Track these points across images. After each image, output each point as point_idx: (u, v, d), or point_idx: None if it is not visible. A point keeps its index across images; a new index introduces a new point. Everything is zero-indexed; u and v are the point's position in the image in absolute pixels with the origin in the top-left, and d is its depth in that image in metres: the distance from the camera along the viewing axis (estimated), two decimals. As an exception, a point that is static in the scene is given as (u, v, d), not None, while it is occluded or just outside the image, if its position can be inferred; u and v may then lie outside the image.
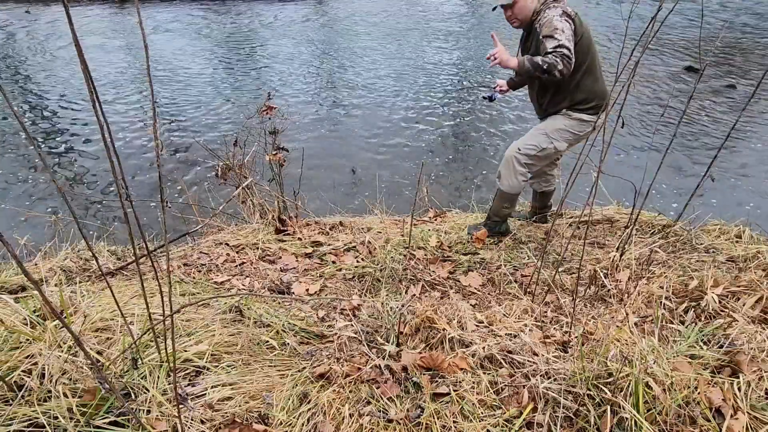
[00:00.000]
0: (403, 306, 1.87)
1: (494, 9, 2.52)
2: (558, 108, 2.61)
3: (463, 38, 9.72)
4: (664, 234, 2.74)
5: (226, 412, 1.40)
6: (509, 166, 2.70)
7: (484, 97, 3.13)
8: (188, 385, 1.50)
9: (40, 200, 4.68)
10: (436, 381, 1.55)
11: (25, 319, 1.64)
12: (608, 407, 1.38)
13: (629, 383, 1.40)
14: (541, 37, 2.37)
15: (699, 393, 1.42)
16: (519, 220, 3.25)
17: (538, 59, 2.33)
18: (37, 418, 1.30)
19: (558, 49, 2.29)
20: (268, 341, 1.77)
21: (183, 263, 2.49)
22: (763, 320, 1.84)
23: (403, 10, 11.68)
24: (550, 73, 2.32)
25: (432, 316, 1.77)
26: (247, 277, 2.36)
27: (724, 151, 3.76)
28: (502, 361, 1.62)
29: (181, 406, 1.36)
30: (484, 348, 1.66)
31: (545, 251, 2.26)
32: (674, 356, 1.56)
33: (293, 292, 2.22)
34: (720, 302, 1.91)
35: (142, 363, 1.49)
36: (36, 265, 2.37)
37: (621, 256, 2.28)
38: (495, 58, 2.41)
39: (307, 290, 2.24)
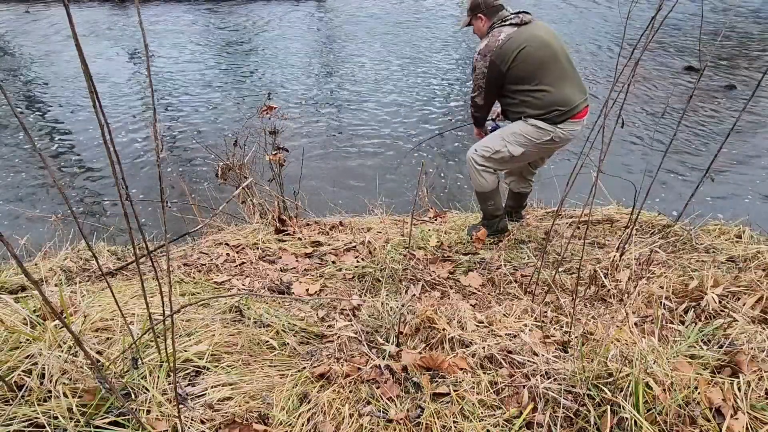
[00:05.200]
0: (403, 306, 1.87)
1: (461, 28, 2.88)
2: (518, 117, 2.69)
3: (462, 39, 9.72)
4: (664, 234, 2.74)
5: (226, 412, 1.40)
6: (470, 167, 2.83)
7: (491, 128, 3.14)
8: (188, 385, 1.50)
9: (39, 200, 4.68)
10: (436, 381, 1.55)
11: (25, 319, 1.64)
12: (608, 407, 1.38)
13: (629, 383, 1.40)
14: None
15: (699, 393, 1.42)
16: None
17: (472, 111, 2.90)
18: (37, 418, 1.30)
19: (471, 103, 2.82)
20: (268, 341, 1.77)
21: (183, 263, 2.49)
22: (763, 320, 1.84)
23: (404, 11, 11.68)
24: (474, 115, 2.88)
25: (432, 316, 1.77)
26: (247, 277, 2.36)
27: (724, 151, 3.76)
28: (502, 361, 1.62)
29: (181, 406, 1.36)
30: (484, 348, 1.66)
31: (545, 251, 2.26)
32: (674, 356, 1.56)
33: (293, 292, 2.22)
34: (720, 302, 1.91)
35: (142, 363, 1.49)
36: (36, 265, 2.37)
37: (621, 256, 2.28)
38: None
39: (307, 290, 2.24)
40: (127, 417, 1.32)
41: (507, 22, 2.58)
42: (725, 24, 9.71)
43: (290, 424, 1.40)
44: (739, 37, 9.14)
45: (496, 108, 3.16)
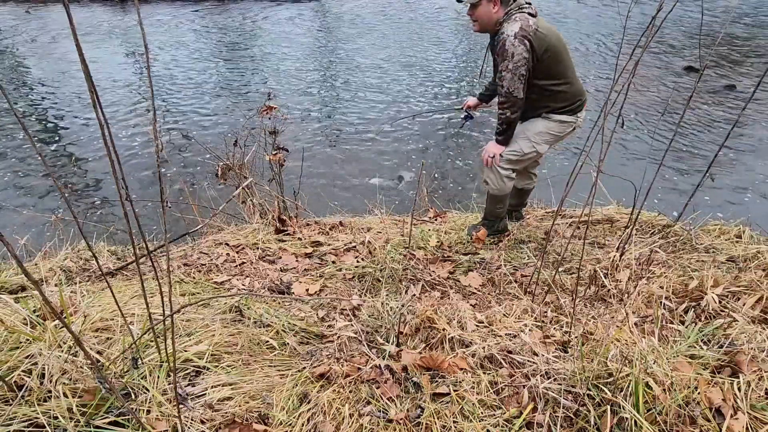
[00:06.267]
0: (403, 306, 1.87)
1: (460, 1, 2.53)
2: (537, 113, 2.63)
3: (460, 39, 9.72)
4: (664, 234, 2.74)
5: (226, 412, 1.40)
6: (495, 171, 2.73)
7: (462, 119, 3.15)
8: (188, 385, 1.50)
9: (40, 200, 4.68)
10: (436, 381, 1.55)
11: (25, 319, 1.64)
12: (608, 407, 1.38)
13: (629, 383, 1.40)
14: (499, 65, 2.45)
15: (699, 393, 1.42)
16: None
17: (499, 126, 2.58)
18: (37, 418, 1.30)
19: (504, 102, 2.48)
20: (268, 341, 1.77)
21: (183, 263, 2.49)
22: (763, 320, 1.84)
23: (401, 11, 11.68)
24: (511, 122, 2.54)
25: (432, 316, 1.77)
26: (247, 277, 2.36)
27: (724, 151, 3.76)
28: (502, 361, 1.62)
29: (181, 406, 1.36)
30: (484, 348, 1.66)
31: (545, 251, 2.26)
32: (674, 356, 1.56)
33: (293, 292, 2.22)
34: (720, 302, 1.91)
35: (142, 363, 1.49)
36: (36, 265, 2.37)
37: (621, 256, 2.28)
38: (492, 157, 2.69)
39: (307, 290, 2.24)
40: (127, 417, 1.32)
41: (525, 11, 2.42)
42: (725, 24, 9.71)
43: (290, 424, 1.40)
44: (739, 37, 9.13)
45: (467, 100, 3.10)
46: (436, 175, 5.15)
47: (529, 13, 2.44)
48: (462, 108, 3.12)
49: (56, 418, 1.31)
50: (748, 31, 9.44)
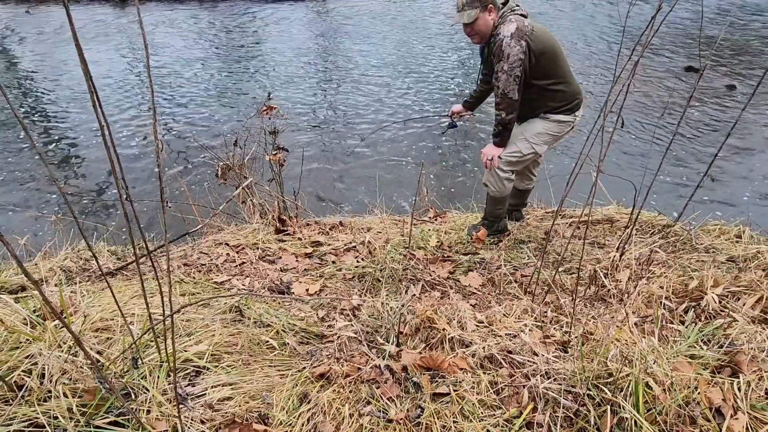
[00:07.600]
0: (403, 306, 1.87)
1: (452, 25, 2.56)
2: (535, 113, 2.63)
3: (461, 39, 9.71)
4: (664, 234, 2.74)
5: (226, 412, 1.40)
6: (494, 174, 2.73)
7: (447, 125, 3.16)
8: (188, 385, 1.50)
9: (39, 200, 4.68)
10: (436, 381, 1.55)
11: (25, 319, 1.64)
12: (608, 407, 1.38)
13: (629, 383, 1.40)
14: (495, 66, 2.44)
15: (699, 393, 1.42)
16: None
17: (495, 128, 2.59)
18: (37, 418, 1.30)
19: (500, 103, 2.48)
20: (268, 341, 1.77)
21: (183, 263, 2.49)
22: (763, 320, 1.84)
23: (401, 12, 11.67)
24: (507, 123, 2.53)
25: (432, 316, 1.77)
26: (247, 277, 2.36)
27: (724, 151, 3.76)
28: (502, 361, 1.62)
29: (181, 406, 1.36)
30: (484, 348, 1.66)
31: (545, 251, 2.26)
32: (674, 356, 1.56)
33: (293, 292, 2.22)
34: (720, 302, 1.91)
35: (142, 363, 1.49)
36: (36, 265, 2.37)
37: (621, 256, 2.28)
38: (490, 159, 2.69)
39: (307, 290, 2.24)
40: (127, 417, 1.32)
41: (517, 12, 2.43)
42: (725, 24, 9.70)
43: (290, 424, 1.40)
44: (740, 36, 9.13)
45: (453, 107, 3.11)
46: (432, 176, 5.15)
47: (521, 14, 2.44)
48: (449, 115, 3.14)
49: (56, 418, 1.31)
50: (749, 32, 9.44)
